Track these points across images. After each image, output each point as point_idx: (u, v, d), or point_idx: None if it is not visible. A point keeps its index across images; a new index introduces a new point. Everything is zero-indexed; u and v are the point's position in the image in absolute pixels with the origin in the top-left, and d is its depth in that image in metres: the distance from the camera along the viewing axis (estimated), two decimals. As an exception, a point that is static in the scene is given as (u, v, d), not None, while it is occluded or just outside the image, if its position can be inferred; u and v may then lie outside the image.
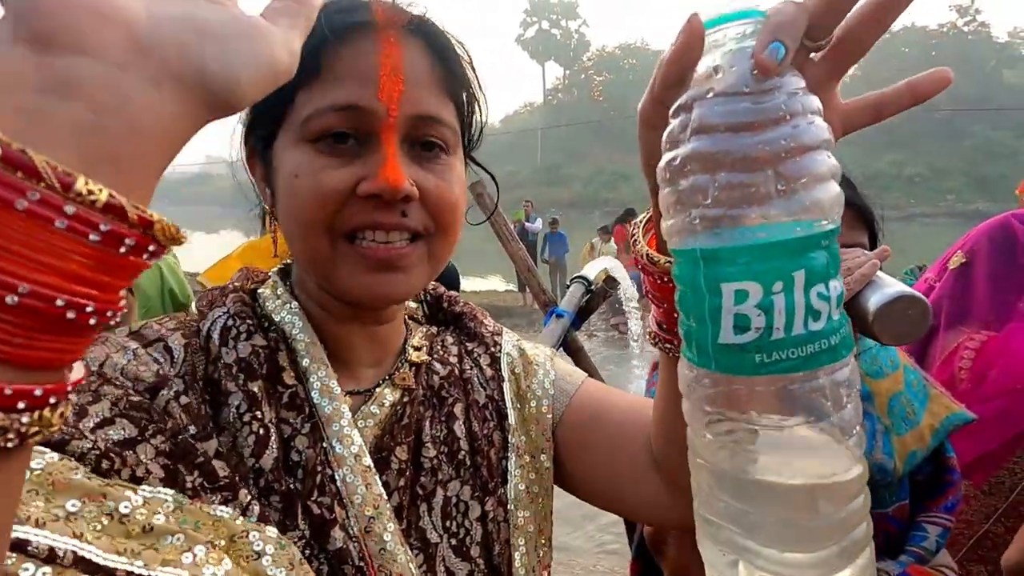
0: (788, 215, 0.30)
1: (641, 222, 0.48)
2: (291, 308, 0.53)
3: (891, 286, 0.66)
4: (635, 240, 0.47)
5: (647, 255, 0.45)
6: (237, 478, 0.42)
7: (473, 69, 0.53)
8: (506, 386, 0.60)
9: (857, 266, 0.66)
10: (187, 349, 0.48)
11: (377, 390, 0.55)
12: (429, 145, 0.49)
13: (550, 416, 0.60)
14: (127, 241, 0.23)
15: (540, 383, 0.61)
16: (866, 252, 0.70)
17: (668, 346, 0.47)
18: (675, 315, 0.37)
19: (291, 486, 0.45)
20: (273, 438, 0.46)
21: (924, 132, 28.62)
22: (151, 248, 0.24)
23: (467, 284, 11.48)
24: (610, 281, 2.79)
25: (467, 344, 0.62)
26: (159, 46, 0.24)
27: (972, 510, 1.22)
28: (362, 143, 0.47)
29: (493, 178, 0.65)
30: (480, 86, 0.54)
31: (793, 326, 0.30)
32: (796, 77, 0.31)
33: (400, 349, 0.59)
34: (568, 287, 2.87)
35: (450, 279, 2.41)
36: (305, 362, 0.50)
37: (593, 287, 2.79)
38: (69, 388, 0.23)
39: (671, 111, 0.34)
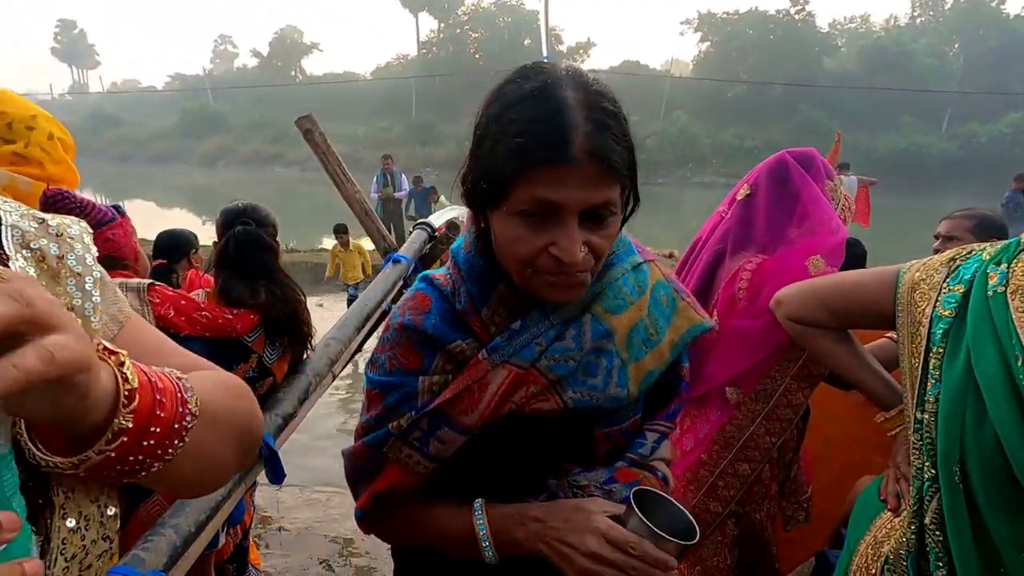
0: None
1: None
2: None
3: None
4: None
5: None
6: None
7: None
8: (20, 263, 0.47)
9: None
10: None
11: None
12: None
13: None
14: None
15: (81, 259, 0.51)
16: None
17: None
18: None
19: None
20: None
21: (762, 108, 32.04)
22: None
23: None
24: (454, 229, 2.73)
25: None
26: None
27: (742, 415, 1.36)
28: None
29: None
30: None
31: None
32: None
33: None
34: (411, 233, 2.76)
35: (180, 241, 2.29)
36: None
37: (437, 234, 2.71)
38: None
39: None
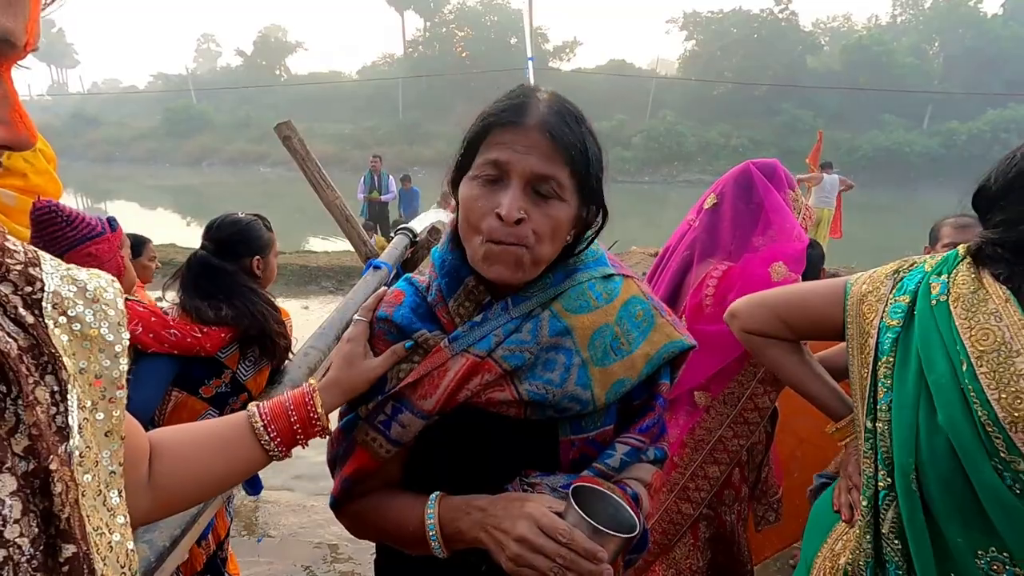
0: None
1: None
2: None
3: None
4: None
5: None
6: None
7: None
8: (55, 331, 0.49)
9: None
10: None
11: None
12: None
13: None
14: None
15: (114, 327, 0.53)
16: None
17: None
18: None
19: None
20: None
21: (747, 108, 32.25)
22: None
23: (324, 245, 10.74)
24: (436, 234, 2.74)
25: None
26: None
27: (711, 418, 1.40)
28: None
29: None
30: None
31: None
32: None
33: None
34: (391, 238, 2.77)
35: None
36: None
37: (418, 239, 2.72)
38: None
39: None
